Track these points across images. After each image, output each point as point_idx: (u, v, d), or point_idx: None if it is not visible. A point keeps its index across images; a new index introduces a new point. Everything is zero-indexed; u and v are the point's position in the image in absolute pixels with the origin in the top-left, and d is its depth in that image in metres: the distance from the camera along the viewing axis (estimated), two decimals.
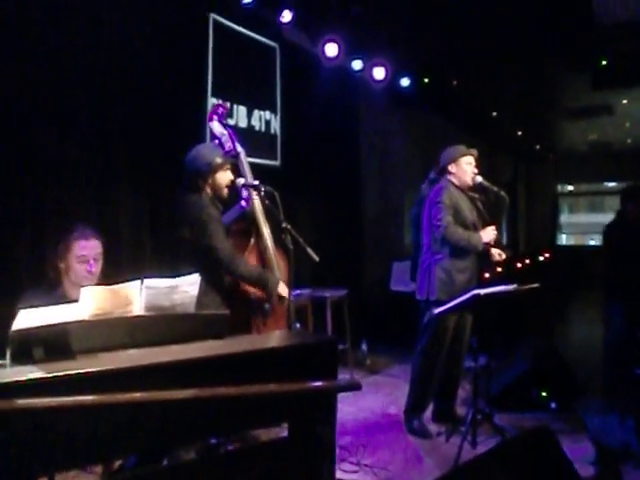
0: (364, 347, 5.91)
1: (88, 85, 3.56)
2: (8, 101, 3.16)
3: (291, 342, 2.33)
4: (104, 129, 3.67)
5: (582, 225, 22.63)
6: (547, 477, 2.47)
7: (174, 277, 2.21)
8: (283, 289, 3.30)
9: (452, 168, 3.92)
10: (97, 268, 2.64)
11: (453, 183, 3.92)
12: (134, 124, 3.86)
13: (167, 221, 3.87)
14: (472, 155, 3.95)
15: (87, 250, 2.61)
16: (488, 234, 3.84)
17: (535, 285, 3.65)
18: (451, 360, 3.96)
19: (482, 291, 3.37)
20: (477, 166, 3.97)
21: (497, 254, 3.98)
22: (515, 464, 2.39)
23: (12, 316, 2.45)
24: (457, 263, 3.80)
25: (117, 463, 2.65)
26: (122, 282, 2.06)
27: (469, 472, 2.50)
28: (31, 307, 1.92)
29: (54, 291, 2.54)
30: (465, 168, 3.91)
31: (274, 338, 2.56)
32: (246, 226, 3.45)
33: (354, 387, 1.69)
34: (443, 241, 3.77)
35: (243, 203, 3.51)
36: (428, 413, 4.06)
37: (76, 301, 2.06)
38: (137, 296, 2.09)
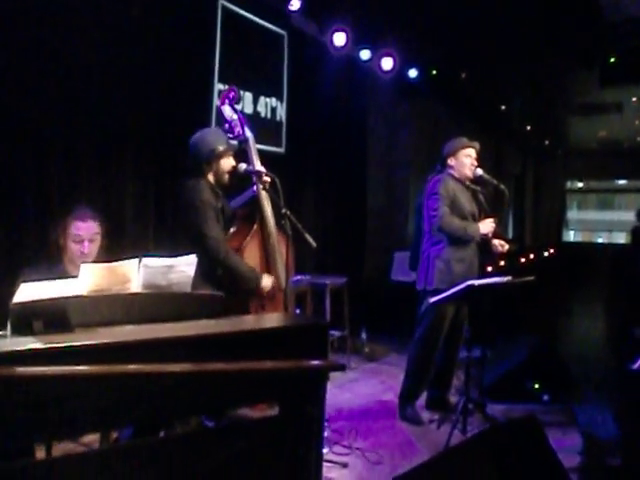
0: (363, 335, 5.98)
1: (96, 69, 3.61)
2: (15, 82, 3.21)
3: (282, 323, 2.40)
4: (111, 112, 3.72)
5: (590, 222, 22.55)
6: (530, 464, 2.53)
7: (172, 257, 2.28)
8: (271, 282, 3.33)
9: (451, 160, 3.95)
10: (91, 249, 2.66)
11: (452, 175, 3.95)
12: (141, 107, 3.92)
13: (171, 204, 3.94)
14: (473, 147, 3.96)
15: (82, 231, 2.63)
16: (486, 226, 3.88)
17: (530, 278, 3.69)
18: (448, 350, 4.02)
19: (476, 282, 3.42)
20: (478, 159, 3.98)
21: (499, 245, 3.99)
22: (500, 450, 2.46)
23: (14, 292, 2.55)
24: (456, 253, 3.84)
25: (114, 436, 2.74)
26: (121, 260, 2.12)
27: (455, 455, 2.57)
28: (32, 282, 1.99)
29: (54, 268, 2.60)
30: (464, 161, 3.92)
31: (266, 319, 2.63)
32: (250, 211, 3.50)
33: (338, 368, 1.76)
34: (439, 231, 3.82)
35: (255, 187, 3.54)
36: (421, 401, 4.13)
37: (75, 277, 2.14)
38: (135, 274, 2.15)
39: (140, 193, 3.96)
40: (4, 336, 1.92)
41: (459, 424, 3.60)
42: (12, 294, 2.56)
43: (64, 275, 2.49)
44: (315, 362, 1.77)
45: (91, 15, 3.55)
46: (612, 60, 6.13)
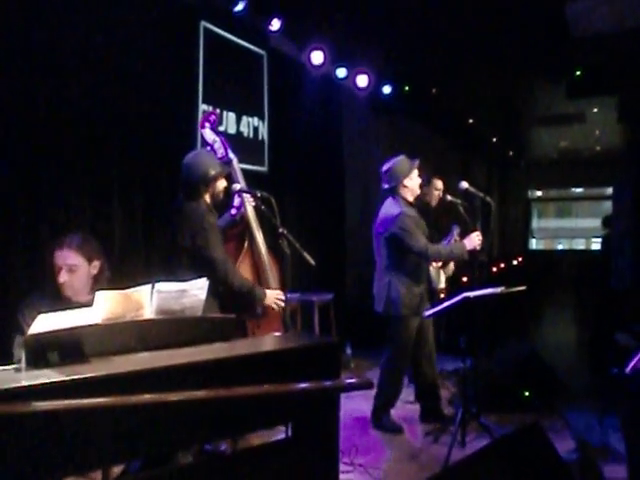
0: (348, 350, 5.98)
1: (80, 92, 3.56)
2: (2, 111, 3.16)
3: (298, 344, 2.39)
4: (96, 136, 3.67)
5: (551, 230, 23.17)
6: (539, 472, 2.57)
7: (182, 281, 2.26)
8: (275, 297, 3.34)
9: (408, 182, 3.96)
10: (69, 279, 2.53)
11: (405, 199, 3.97)
12: (126, 130, 3.88)
13: (160, 227, 3.89)
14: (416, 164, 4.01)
15: (60, 260, 2.51)
16: (472, 241, 3.92)
17: (522, 288, 3.76)
18: (424, 361, 4.12)
19: (472, 293, 3.46)
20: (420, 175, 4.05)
21: (475, 237, 3.92)
22: (508, 461, 2.48)
23: (12, 320, 2.48)
24: (413, 277, 3.94)
25: (118, 469, 2.67)
26: (118, 288, 2.08)
27: (464, 469, 2.58)
28: (39, 312, 1.94)
29: (59, 295, 2.53)
30: (416, 180, 3.99)
31: (280, 340, 2.61)
32: (240, 231, 3.51)
33: (366, 386, 1.75)
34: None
35: (233, 211, 3.58)
36: (416, 414, 4.17)
37: (83, 305, 2.10)
38: (148, 300, 2.13)
39: (128, 216, 3.91)
40: (19, 369, 1.87)
41: (458, 435, 3.62)
42: (9, 325, 2.51)
43: (69, 303, 2.43)
44: (343, 382, 1.77)
45: (73, 40, 3.51)
46: (578, 74, 6.34)
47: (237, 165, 3.57)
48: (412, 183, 3.96)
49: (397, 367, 4.08)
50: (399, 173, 3.95)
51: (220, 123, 4.61)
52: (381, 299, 4.02)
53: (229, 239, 3.46)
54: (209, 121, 3.64)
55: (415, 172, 3.98)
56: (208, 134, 3.62)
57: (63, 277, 2.52)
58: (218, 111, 4.59)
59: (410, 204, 3.99)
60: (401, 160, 3.99)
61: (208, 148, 3.58)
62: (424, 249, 3.81)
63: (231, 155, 3.57)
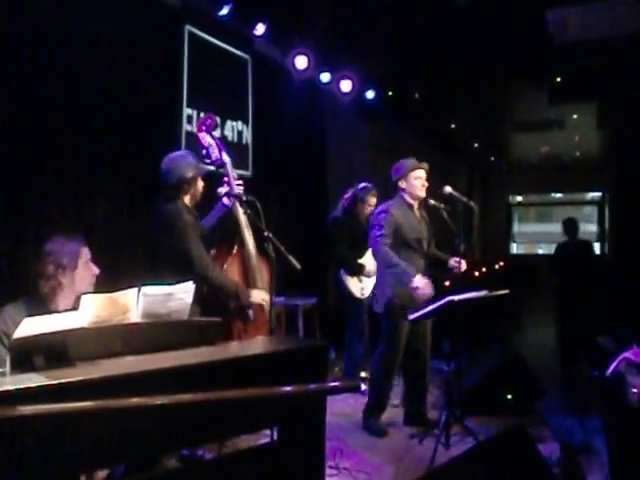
0: (332, 354, 5.99)
1: (64, 94, 3.55)
2: None
3: (286, 347, 2.39)
4: (81, 138, 3.66)
5: (531, 234, 23.43)
6: (523, 474, 2.60)
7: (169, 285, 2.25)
8: (261, 297, 3.35)
9: (402, 183, 3.97)
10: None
11: (404, 199, 3.99)
12: (110, 133, 3.87)
13: (144, 228, 3.87)
14: (422, 169, 3.98)
15: (89, 254, 2.59)
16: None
17: (505, 291, 3.80)
18: (417, 365, 4.09)
19: (456, 297, 3.49)
20: (428, 179, 4.00)
21: (453, 262, 4.04)
22: (492, 462, 2.51)
23: None
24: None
25: (102, 474, 2.64)
26: (102, 289, 2.08)
27: (449, 472, 2.61)
28: (14, 321, 1.93)
29: (44, 306, 2.45)
30: (414, 183, 3.94)
31: (266, 343, 2.61)
32: (229, 234, 3.52)
33: (353, 388, 1.76)
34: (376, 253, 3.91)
35: (225, 200, 3.54)
36: (400, 418, 4.19)
37: (71, 310, 2.08)
38: (134, 303, 2.12)
39: (112, 218, 3.90)
40: (3, 373, 1.85)
41: (442, 437, 3.65)
42: None
43: (54, 310, 2.39)
44: (331, 385, 1.78)
45: (60, 43, 3.49)
46: (558, 80, 6.44)
47: (231, 168, 3.59)
48: (407, 186, 3.96)
49: (386, 367, 3.97)
50: (396, 174, 4.00)
51: (215, 128, 4.60)
52: (376, 296, 4.03)
53: (218, 242, 3.48)
54: (205, 125, 3.66)
55: (412, 175, 3.94)
56: (204, 137, 3.63)
57: (97, 269, 2.59)
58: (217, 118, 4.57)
59: (408, 205, 3.99)
60: (403, 161, 4.02)
61: (204, 151, 3.59)
62: (378, 245, 3.82)
63: (225, 158, 3.58)
